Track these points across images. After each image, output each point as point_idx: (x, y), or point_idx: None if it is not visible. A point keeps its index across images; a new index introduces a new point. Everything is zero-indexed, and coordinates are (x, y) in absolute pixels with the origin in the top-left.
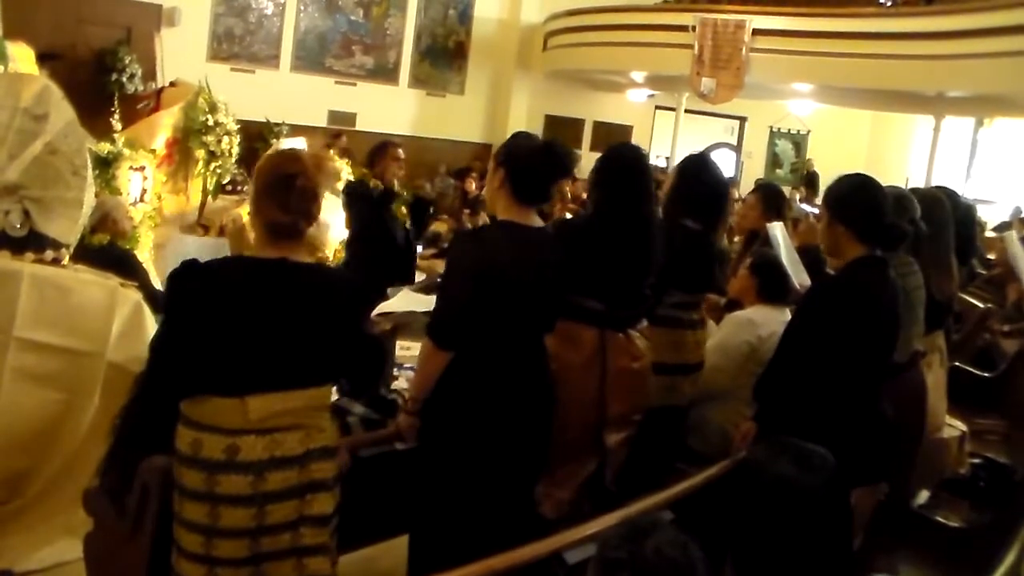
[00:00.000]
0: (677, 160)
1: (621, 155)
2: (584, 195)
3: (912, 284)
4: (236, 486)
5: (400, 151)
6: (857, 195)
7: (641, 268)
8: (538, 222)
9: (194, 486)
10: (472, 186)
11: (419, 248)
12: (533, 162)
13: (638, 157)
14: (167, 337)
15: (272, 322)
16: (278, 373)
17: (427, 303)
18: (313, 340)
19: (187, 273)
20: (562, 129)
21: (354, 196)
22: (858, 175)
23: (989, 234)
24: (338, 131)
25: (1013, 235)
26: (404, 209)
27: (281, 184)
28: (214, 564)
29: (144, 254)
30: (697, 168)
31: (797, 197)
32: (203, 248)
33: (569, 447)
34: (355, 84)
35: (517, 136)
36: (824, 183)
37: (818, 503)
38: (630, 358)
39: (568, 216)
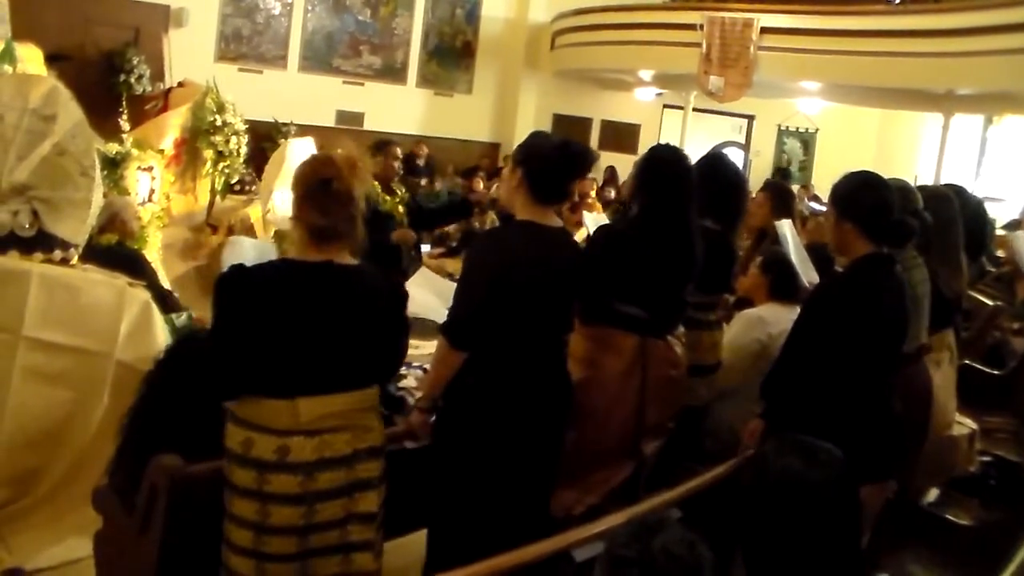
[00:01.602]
0: None
1: (663, 159)
2: (592, 192)
3: (917, 277)
4: (286, 485)
5: (399, 150)
6: (864, 192)
7: (683, 274)
8: (556, 222)
9: (244, 484)
10: (480, 186)
11: (427, 247)
12: (551, 162)
13: (680, 160)
14: (217, 341)
15: (321, 324)
16: (328, 375)
17: (442, 289)
18: (360, 341)
19: (236, 278)
20: (570, 128)
21: None
22: (864, 172)
23: (999, 232)
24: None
25: (1020, 235)
26: (401, 209)
27: (317, 188)
28: (263, 559)
29: (152, 254)
30: (714, 167)
31: (805, 196)
32: (261, 249)
33: (606, 454)
34: (363, 84)
35: (534, 136)
36: (831, 181)
37: (825, 498)
38: (670, 366)
39: (604, 220)
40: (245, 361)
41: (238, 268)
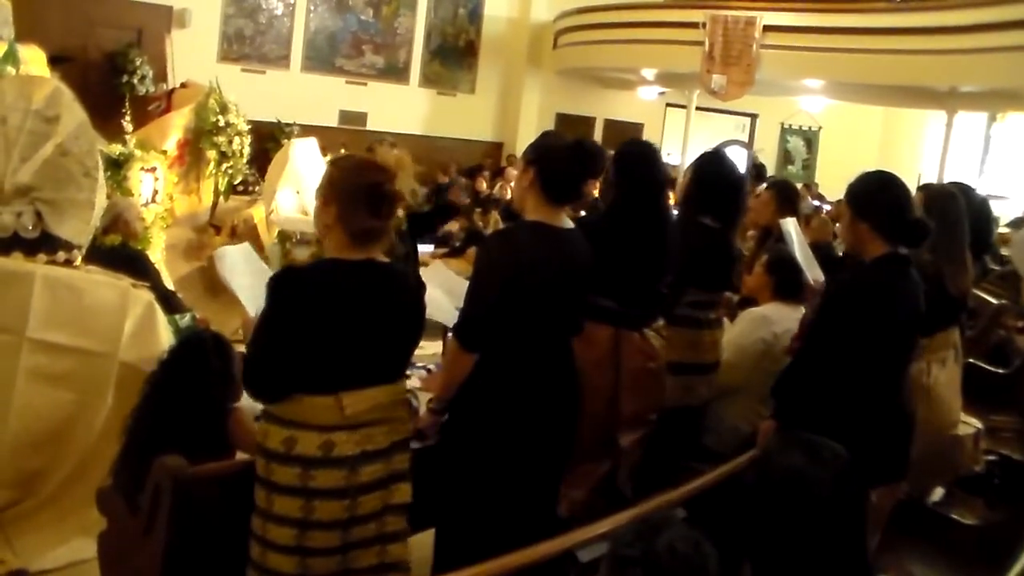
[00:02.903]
0: (688, 157)
1: (633, 152)
2: (595, 193)
3: None
4: (331, 480)
5: (394, 150)
6: (880, 193)
7: (656, 266)
8: (568, 223)
9: (288, 482)
10: (483, 185)
11: (431, 247)
12: (564, 162)
13: (649, 153)
14: (269, 342)
15: (366, 319)
16: (369, 370)
17: (454, 286)
18: (398, 336)
19: (289, 279)
20: (573, 127)
21: None
22: (880, 172)
23: (1003, 229)
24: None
25: (1017, 240)
26: (400, 214)
27: (369, 193)
28: (307, 554)
29: (156, 255)
30: (713, 165)
31: (808, 195)
32: (245, 253)
33: (583, 447)
34: (366, 84)
35: (547, 135)
36: (834, 179)
37: (828, 496)
38: (645, 357)
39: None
40: (294, 359)
41: (290, 269)
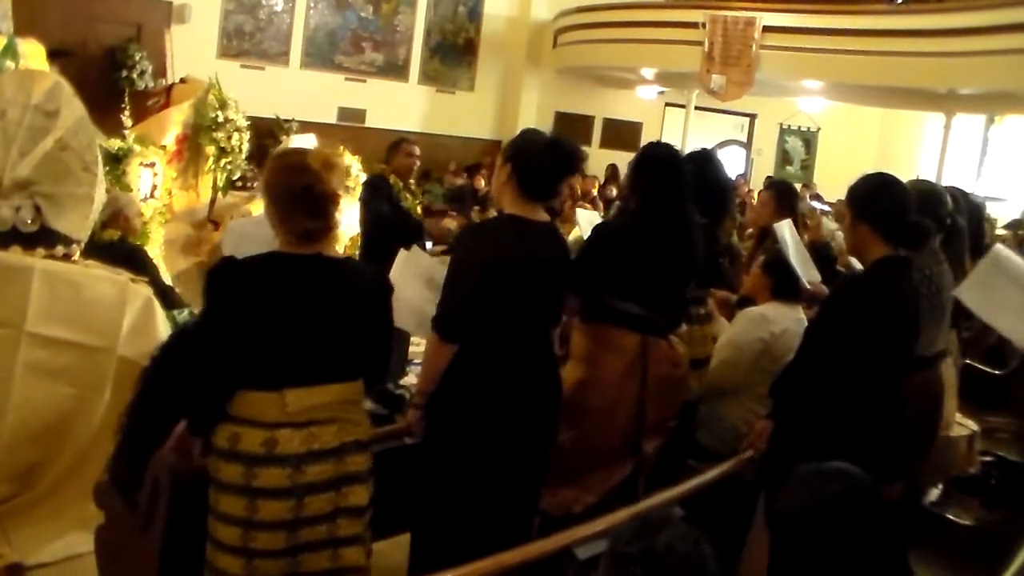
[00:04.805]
0: None
1: (656, 155)
2: (594, 192)
3: (944, 282)
4: (275, 479)
5: (415, 148)
6: (881, 194)
7: (683, 271)
8: (544, 217)
9: (232, 480)
10: (482, 183)
11: (428, 245)
12: (540, 159)
13: (672, 156)
14: (208, 334)
15: (309, 315)
16: (315, 366)
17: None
18: (347, 333)
19: (226, 270)
20: (572, 126)
21: (372, 191)
22: (881, 174)
23: (1000, 231)
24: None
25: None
26: (419, 209)
27: (301, 195)
28: (252, 556)
29: (154, 250)
30: (702, 164)
31: (807, 195)
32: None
33: (606, 453)
34: (365, 81)
35: (525, 132)
36: (832, 180)
37: (875, 522)
38: (671, 364)
39: (597, 217)
40: (235, 353)
41: (229, 260)
